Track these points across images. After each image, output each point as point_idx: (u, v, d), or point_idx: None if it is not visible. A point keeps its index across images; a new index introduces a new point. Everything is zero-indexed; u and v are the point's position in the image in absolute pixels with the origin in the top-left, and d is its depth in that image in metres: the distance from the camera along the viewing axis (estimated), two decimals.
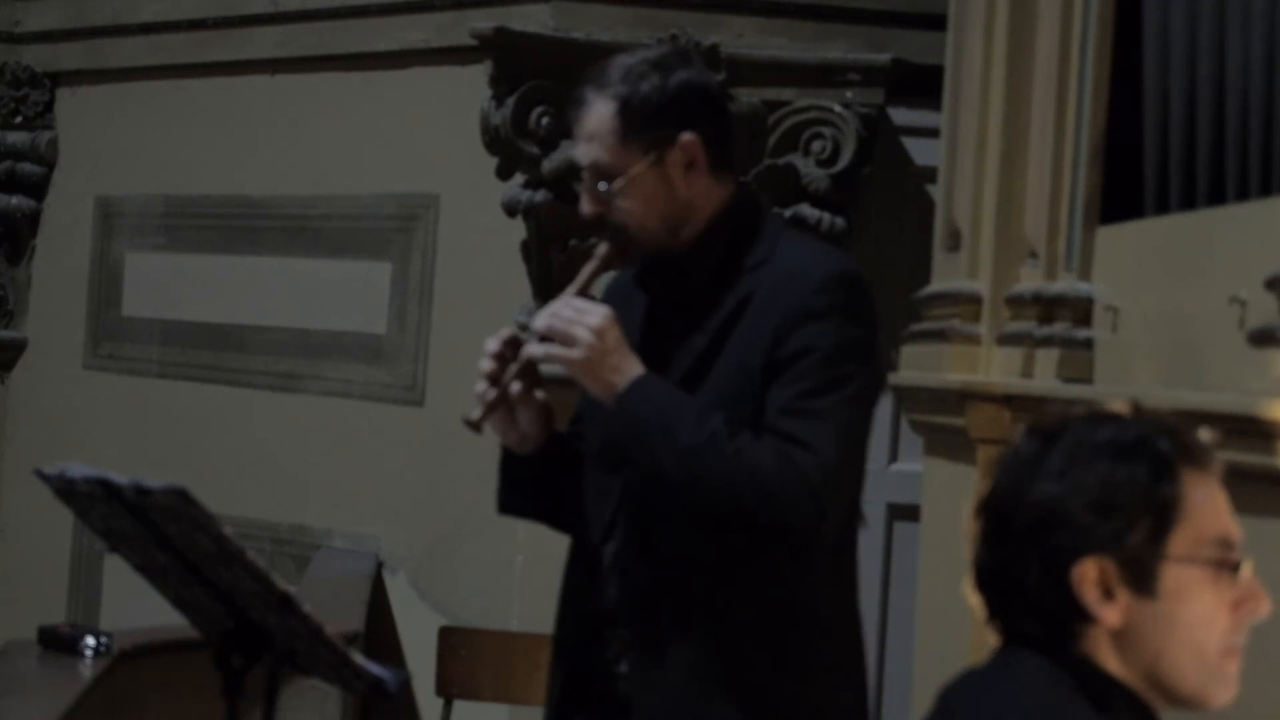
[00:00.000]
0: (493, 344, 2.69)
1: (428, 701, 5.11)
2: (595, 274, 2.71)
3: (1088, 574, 1.75)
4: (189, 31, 6.47)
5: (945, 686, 1.85)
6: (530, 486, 2.80)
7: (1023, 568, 1.77)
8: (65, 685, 3.66)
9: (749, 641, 2.63)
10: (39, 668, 3.83)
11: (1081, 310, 3.72)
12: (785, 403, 2.56)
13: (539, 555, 5.12)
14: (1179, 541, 1.75)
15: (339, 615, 4.61)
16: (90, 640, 3.87)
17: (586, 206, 2.69)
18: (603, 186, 2.65)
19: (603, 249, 2.71)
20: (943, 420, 4.12)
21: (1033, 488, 1.77)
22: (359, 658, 2.57)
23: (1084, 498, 1.75)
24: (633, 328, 2.69)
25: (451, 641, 4.65)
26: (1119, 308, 3.57)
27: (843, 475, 2.61)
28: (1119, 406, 1.82)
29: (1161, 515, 1.75)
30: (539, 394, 2.71)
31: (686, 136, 2.64)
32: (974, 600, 1.83)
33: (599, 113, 2.65)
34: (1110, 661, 1.77)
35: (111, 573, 6.45)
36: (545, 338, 2.62)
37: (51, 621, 4.15)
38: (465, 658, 4.60)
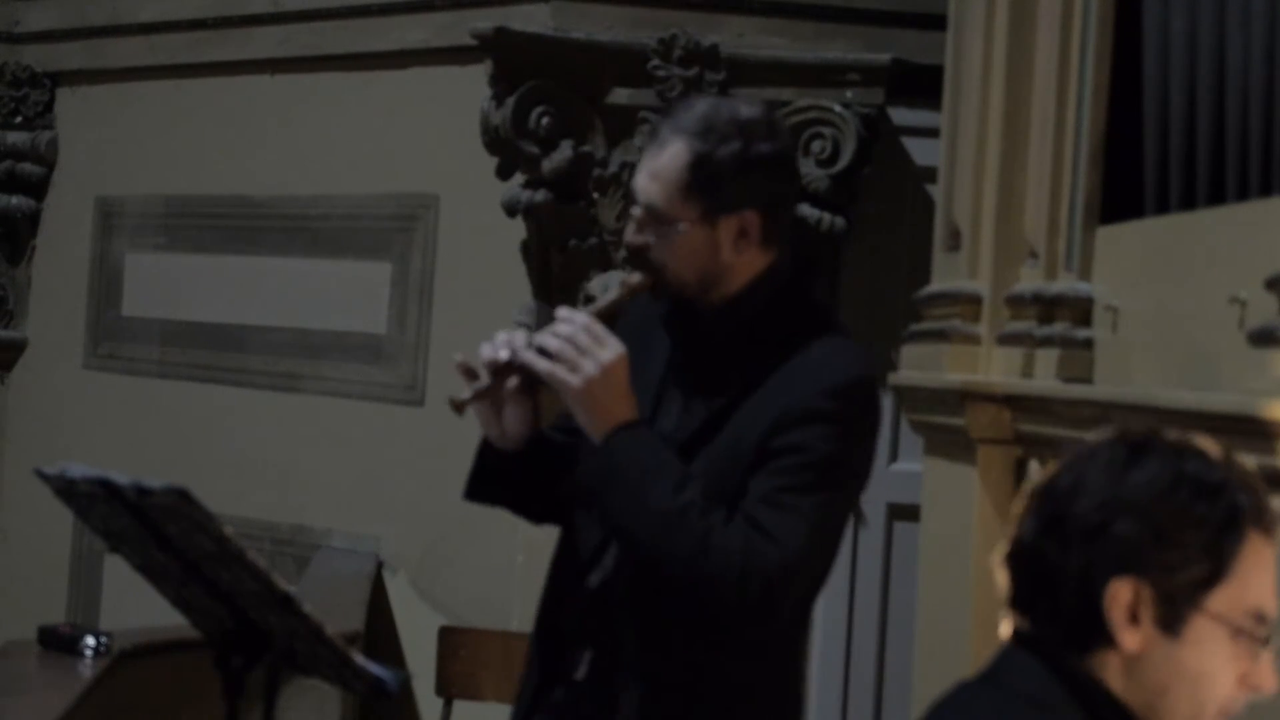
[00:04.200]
0: (498, 349, 2.64)
1: (428, 701, 5.11)
2: (621, 302, 2.69)
3: (1122, 594, 1.72)
4: (189, 31, 6.48)
5: (938, 700, 1.82)
6: (503, 480, 2.76)
7: (1062, 566, 1.74)
8: (65, 685, 3.66)
9: (698, 698, 2.61)
10: (39, 668, 3.83)
11: (1081, 310, 3.72)
12: (765, 492, 2.53)
13: (539, 555, 5.10)
14: (1220, 598, 1.73)
15: (339, 615, 4.61)
16: (90, 640, 3.87)
17: (631, 236, 2.66)
18: (646, 237, 2.62)
19: (635, 279, 2.68)
20: (943, 420, 4.12)
21: (1104, 493, 1.74)
22: (359, 658, 2.57)
23: (1148, 521, 1.72)
24: (649, 364, 2.67)
25: (451, 641, 4.65)
26: (1119, 308, 3.57)
27: (802, 576, 2.57)
28: (1209, 446, 1.78)
29: (1215, 567, 1.72)
30: (528, 402, 2.67)
31: (747, 213, 2.61)
32: (1000, 579, 1.80)
33: (671, 156, 2.60)
34: (1115, 682, 1.75)
35: (111, 573, 6.45)
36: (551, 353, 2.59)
37: (51, 621, 4.15)
38: (465, 658, 4.60)
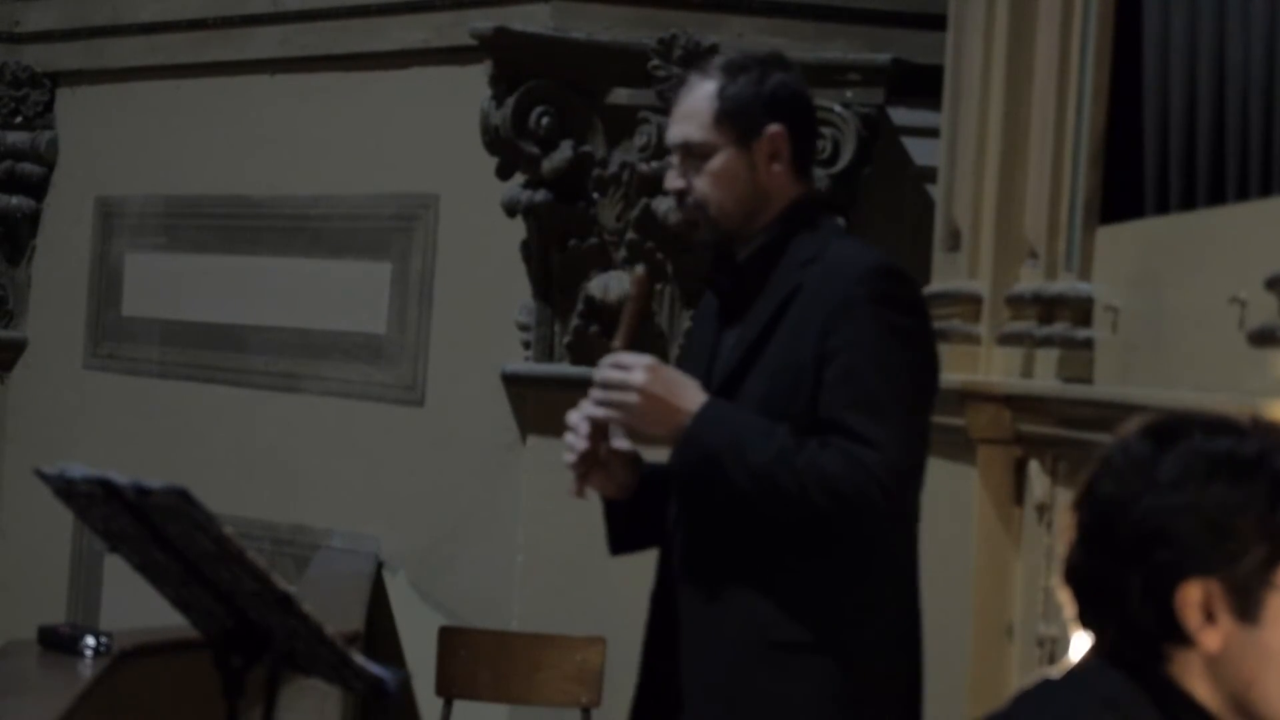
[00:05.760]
0: (578, 430, 2.78)
1: (428, 701, 5.12)
2: (636, 314, 2.82)
3: (1192, 596, 1.67)
4: (189, 31, 6.48)
5: (1020, 690, 1.79)
6: (636, 522, 2.89)
7: (1124, 582, 1.69)
8: (65, 685, 3.66)
9: (797, 604, 2.71)
10: (39, 668, 3.83)
11: (1081, 310, 3.72)
12: (847, 398, 2.65)
13: (539, 555, 5.11)
14: None
15: (339, 615, 4.61)
16: (90, 640, 3.86)
17: (671, 181, 2.82)
18: (686, 179, 2.78)
19: (638, 273, 2.86)
20: (943, 420, 4.10)
21: (1142, 498, 1.68)
22: (359, 658, 2.57)
23: (1198, 518, 1.66)
24: (709, 330, 2.83)
25: (451, 641, 4.65)
26: (1119, 308, 3.57)
27: (910, 467, 2.71)
28: (1239, 414, 1.72)
29: (1276, 542, 1.66)
30: (623, 444, 2.81)
31: (774, 128, 2.77)
32: (1063, 598, 1.75)
33: (697, 94, 2.80)
34: (1198, 686, 1.70)
35: (111, 573, 6.45)
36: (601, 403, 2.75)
37: (51, 621, 4.15)
38: (465, 658, 4.60)
